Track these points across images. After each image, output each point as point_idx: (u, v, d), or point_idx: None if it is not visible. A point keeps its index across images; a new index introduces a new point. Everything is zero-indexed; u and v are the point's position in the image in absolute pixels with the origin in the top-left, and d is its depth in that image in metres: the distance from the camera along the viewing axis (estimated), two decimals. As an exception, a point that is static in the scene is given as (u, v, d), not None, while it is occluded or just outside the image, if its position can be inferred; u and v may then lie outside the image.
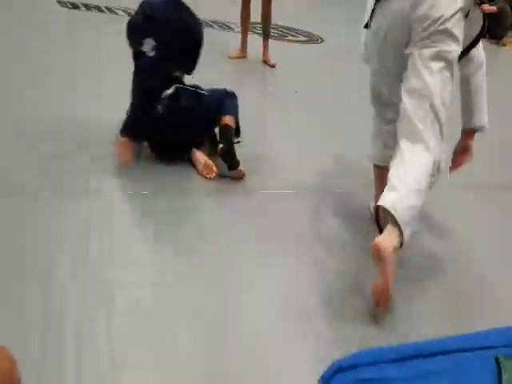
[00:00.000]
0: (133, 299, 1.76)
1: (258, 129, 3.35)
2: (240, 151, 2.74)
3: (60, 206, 2.21)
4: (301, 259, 2.11)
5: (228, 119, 2.73)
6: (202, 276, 1.94)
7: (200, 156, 2.75)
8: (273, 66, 4.75)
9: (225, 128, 2.72)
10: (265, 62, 4.80)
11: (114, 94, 3.04)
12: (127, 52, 2.75)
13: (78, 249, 1.97)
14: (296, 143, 3.18)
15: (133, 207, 2.43)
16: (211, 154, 2.79)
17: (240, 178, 2.71)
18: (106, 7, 5.90)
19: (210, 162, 2.71)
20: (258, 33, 5.20)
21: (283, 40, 5.92)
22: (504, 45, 8.96)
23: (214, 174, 2.68)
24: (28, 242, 1.97)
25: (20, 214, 2.12)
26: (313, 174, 2.86)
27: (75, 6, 5.72)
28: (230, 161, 2.69)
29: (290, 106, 3.79)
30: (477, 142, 2.38)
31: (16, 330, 1.54)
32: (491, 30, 9.01)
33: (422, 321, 1.87)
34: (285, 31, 6.27)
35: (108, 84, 3.45)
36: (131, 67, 2.72)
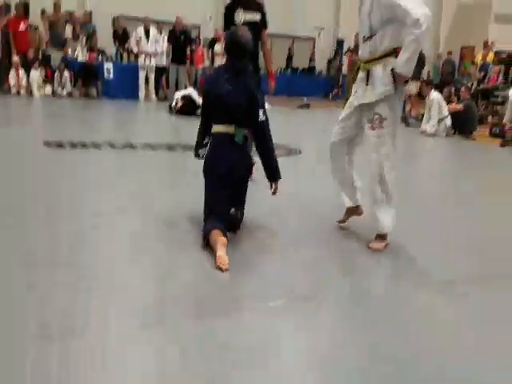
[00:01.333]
0: None
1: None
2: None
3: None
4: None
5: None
6: None
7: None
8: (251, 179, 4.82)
9: None
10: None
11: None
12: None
13: None
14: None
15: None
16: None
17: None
18: (92, 142, 6.07)
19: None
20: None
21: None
22: (474, 139, 9.36)
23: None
24: None
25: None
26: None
27: (60, 146, 5.86)
28: None
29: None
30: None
31: None
32: (460, 126, 9.51)
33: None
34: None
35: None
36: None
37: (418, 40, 2.92)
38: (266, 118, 3.29)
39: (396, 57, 3.03)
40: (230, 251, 2.92)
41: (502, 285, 2.95)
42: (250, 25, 4.29)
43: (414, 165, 7.12)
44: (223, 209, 3.17)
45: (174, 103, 9.81)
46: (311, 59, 18.23)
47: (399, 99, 3.25)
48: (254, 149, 3.47)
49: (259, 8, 4.74)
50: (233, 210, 3.21)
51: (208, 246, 3.01)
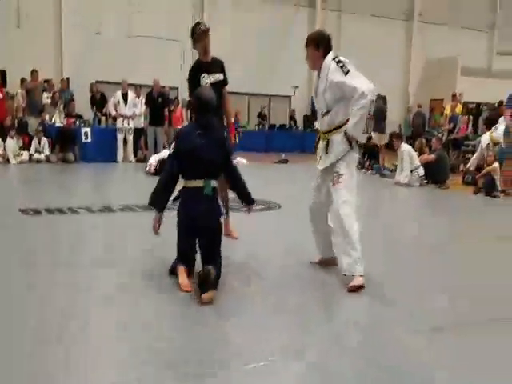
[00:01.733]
0: None
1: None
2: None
3: None
4: None
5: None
6: None
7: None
8: (236, 238, 4.84)
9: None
10: (228, 235, 4.88)
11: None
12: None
13: None
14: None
15: None
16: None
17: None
18: (68, 208, 6.06)
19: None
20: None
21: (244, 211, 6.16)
22: (447, 188, 9.56)
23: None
24: None
25: None
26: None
27: (37, 212, 5.83)
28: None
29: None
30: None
31: None
32: (433, 176, 9.74)
33: None
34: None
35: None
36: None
37: (365, 108, 3.52)
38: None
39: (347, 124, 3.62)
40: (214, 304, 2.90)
41: (477, 331, 3.00)
42: (215, 85, 4.65)
43: (389, 214, 7.22)
44: (190, 254, 3.53)
45: (147, 167, 9.90)
46: (292, 117, 18.73)
47: (354, 158, 3.74)
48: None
49: (222, 68, 4.93)
50: (210, 267, 3.28)
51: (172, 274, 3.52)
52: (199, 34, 4.75)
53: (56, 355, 2.48)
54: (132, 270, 3.81)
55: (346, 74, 3.52)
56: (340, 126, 3.66)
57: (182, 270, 3.45)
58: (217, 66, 4.92)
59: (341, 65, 3.56)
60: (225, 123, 5.01)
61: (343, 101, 3.60)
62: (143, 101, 11.97)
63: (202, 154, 3.42)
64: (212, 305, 3.14)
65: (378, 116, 11.83)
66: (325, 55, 3.66)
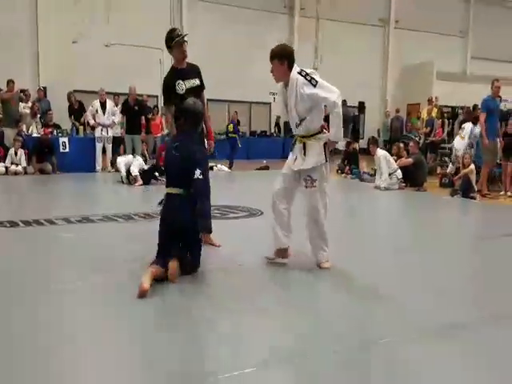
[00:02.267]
0: None
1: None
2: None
3: None
4: None
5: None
6: None
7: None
8: (218, 246, 4.82)
9: None
10: (210, 244, 4.86)
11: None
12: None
13: None
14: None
15: None
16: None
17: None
18: (46, 219, 5.98)
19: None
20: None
21: (226, 218, 6.19)
22: (425, 190, 9.69)
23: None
24: None
25: None
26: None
27: (13, 224, 5.75)
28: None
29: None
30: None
31: None
32: (411, 179, 9.86)
33: None
34: (227, 210, 6.66)
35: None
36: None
37: (339, 115, 3.87)
38: (205, 178, 3.88)
39: (323, 132, 4.03)
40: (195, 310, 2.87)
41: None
42: (191, 90, 4.71)
43: (367, 216, 7.26)
44: (165, 250, 3.81)
45: (124, 175, 9.85)
46: (277, 123, 18.77)
47: (328, 167, 4.11)
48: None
49: (198, 73, 4.93)
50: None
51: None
52: (176, 42, 4.75)
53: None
54: (111, 280, 3.78)
55: (315, 85, 3.83)
56: (316, 133, 4.01)
57: (148, 270, 3.59)
58: (193, 71, 4.91)
59: (309, 78, 3.85)
60: (203, 132, 4.97)
61: (315, 108, 3.96)
62: (120, 107, 11.87)
63: (173, 166, 3.93)
64: (192, 310, 3.11)
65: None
66: (289, 68, 3.93)
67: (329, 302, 3.58)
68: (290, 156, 4.20)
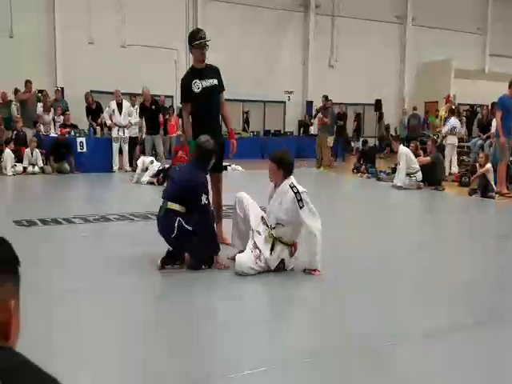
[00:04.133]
0: None
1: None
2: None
3: None
4: None
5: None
6: None
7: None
8: (229, 244, 4.82)
9: None
10: (222, 242, 4.86)
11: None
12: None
13: None
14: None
15: None
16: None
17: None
18: (64, 218, 6.04)
19: None
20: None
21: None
22: (443, 189, 9.57)
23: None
24: None
25: None
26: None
27: (32, 223, 5.81)
28: None
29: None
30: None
31: None
32: (429, 178, 9.75)
33: None
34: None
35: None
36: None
37: (317, 244, 3.86)
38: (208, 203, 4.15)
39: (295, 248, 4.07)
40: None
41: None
42: (209, 89, 4.75)
43: (389, 216, 7.20)
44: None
45: (145, 176, 9.93)
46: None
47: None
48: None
49: (217, 73, 4.95)
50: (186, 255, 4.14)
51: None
52: (199, 43, 4.78)
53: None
54: (126, 279, 3.79)
55: (301, 208, 3.86)
56: (288, 244, 4.02)
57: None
58: (211, 72, 4.93)
59: (298, 197, 3.87)
60: (222, 134, 5.00)
61: (292, 224, 3.97)
62: (138, 110, 11.91)
63: (168, 185, 4.46)
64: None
65: (331, 122, 13.34)
66: (285, 176, 4.00)
67: (342, 302, 3.55)
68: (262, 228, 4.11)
